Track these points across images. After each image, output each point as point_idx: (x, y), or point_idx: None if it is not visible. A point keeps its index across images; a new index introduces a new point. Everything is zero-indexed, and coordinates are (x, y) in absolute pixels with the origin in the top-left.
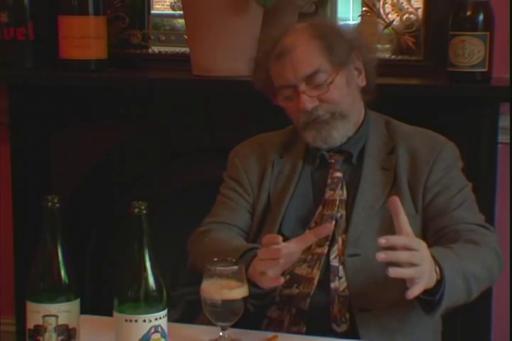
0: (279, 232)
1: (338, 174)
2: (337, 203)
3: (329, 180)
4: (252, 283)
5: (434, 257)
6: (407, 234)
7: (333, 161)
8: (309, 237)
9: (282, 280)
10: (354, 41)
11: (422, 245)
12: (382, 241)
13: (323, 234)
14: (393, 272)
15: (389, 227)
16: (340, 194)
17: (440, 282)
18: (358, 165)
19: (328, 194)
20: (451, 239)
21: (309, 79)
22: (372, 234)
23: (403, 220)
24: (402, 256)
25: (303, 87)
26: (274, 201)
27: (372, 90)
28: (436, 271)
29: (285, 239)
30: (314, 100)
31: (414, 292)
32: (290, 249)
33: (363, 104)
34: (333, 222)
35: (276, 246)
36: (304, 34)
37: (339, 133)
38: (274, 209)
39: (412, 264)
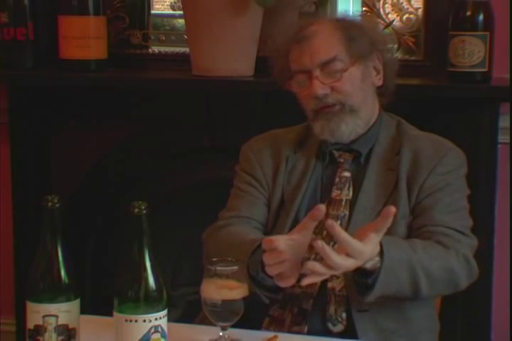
0: (292, 228)
1: (347, 174)
2: (343, 203)
3: (337, 179)
4: (269, 276)
5: (380, 243)
6: (364, 240)
7: (342, 160)
8: (308, 223)
9: (293, 281)
10: (378, 42)
11: (361, 257)
12: (329, 222)
13: (319, 216)
14: (311, 265)
15: (387, 230)
16: (347, 194)
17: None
18: (365, 165)
19: (335, 193)
20: (423, 239)
21: (325, 66)
22: None
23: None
24: (334, 259)
25: (317, 72)
26: (288, 197)
27: (389, 93)
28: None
29: None
30: (326, 87)
31: (305, 281)
32: (295, 240)
33: (378, 104)
34: (338, 222)
35: (277, 249)
36: (327, 24)
37: (347, 127)
38: (287, 205)
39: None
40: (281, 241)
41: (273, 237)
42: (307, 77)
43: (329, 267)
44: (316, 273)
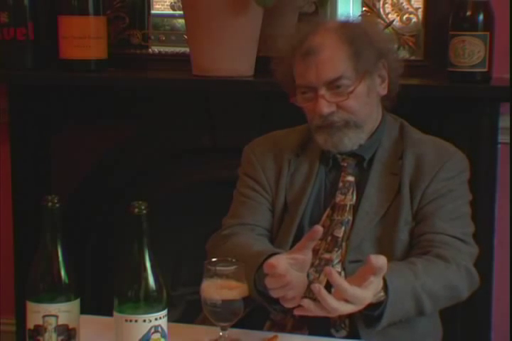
0: (297, 234)
1: (350, 178)
2: (347, 208)
3: (340, 184)
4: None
5: (384, 278)
6: (363, 285)
7: (345, 165)
8: (306, 243)
9: (298, 301)
10: (383, 48)
11: (362, 302)
12: (327, 270)
13: (316, 237)
14: (306, 304)
15: (389, 235)
16: (351, 199)
17: (384, 301)
18: (368, 169)
19: (339, 198)
20: (423, 248)
21: (331, 84)
22: (374, 241)
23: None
24: (331, 303)
25: (323, 91)
26: (291, 201)
27: (392, 97)
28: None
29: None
30: (332, 105)
31: (298, 312)
32: (296, 259)
33: (382, 109)
34: (343, 228)
35: (278, 272)
36: (333, 36)
37: (350, 141)
38: (291, 210)
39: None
40: (282, 264)
41: (274, 260)
42: (312, 93)
43: (324, 309)
44: (309, 311)
